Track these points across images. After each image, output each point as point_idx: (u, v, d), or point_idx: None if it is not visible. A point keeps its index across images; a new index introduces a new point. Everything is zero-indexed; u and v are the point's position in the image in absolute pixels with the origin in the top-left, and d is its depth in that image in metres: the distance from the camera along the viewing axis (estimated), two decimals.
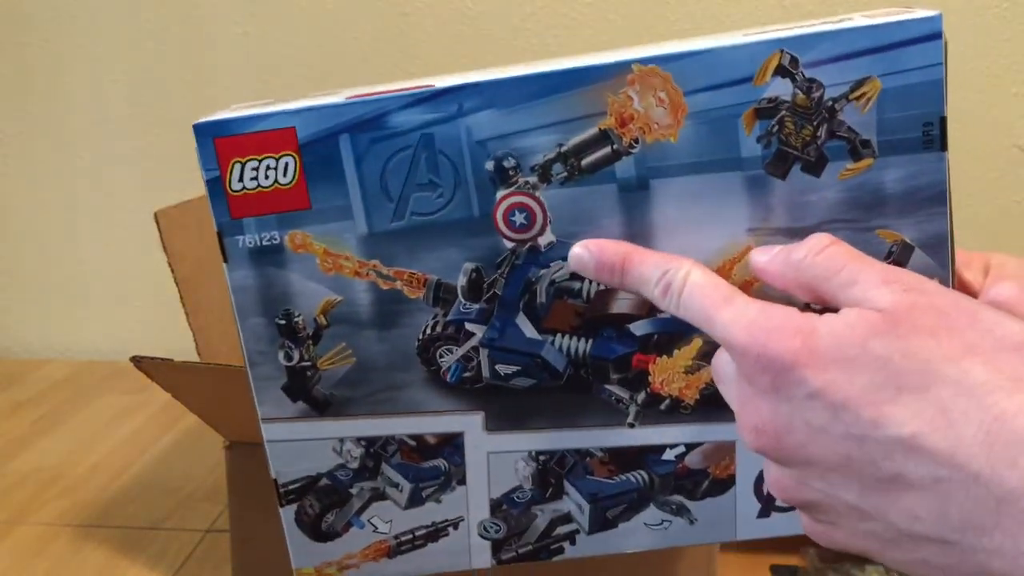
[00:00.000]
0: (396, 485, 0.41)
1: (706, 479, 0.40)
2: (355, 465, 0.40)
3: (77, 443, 0.92)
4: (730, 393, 0.33)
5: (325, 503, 0.41)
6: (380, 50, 1.05)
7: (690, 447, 0.39)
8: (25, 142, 1.15)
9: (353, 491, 0.41)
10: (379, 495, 0.41)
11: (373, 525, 0.41)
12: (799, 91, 0.35)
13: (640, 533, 0.41)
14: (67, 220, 1.16)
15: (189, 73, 1.10)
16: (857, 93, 0.35)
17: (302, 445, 0.40)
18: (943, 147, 0.35)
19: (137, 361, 0.55)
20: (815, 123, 0.35)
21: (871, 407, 0.28)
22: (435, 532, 0.41)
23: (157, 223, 0.60)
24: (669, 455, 0.40)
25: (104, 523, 0.76)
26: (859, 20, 0.34)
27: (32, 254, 1.18)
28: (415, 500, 0.41)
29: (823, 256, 0.31)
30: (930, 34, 0.34)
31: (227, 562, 0.65)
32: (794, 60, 0.34)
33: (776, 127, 0.35)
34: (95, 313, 1.18)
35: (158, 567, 0.70)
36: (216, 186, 0.37)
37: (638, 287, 0.35)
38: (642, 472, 0.40)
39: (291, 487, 0.41)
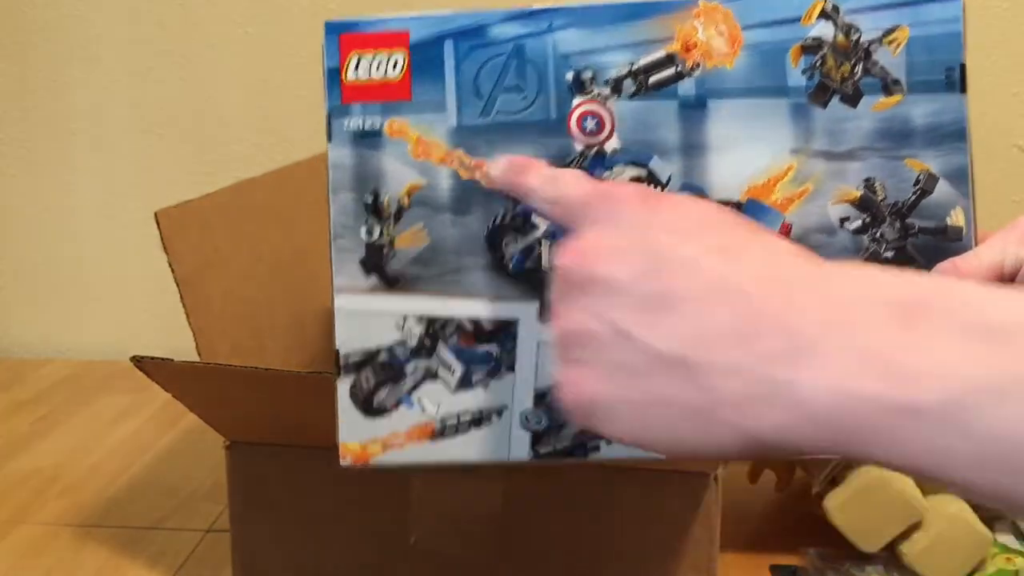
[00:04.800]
0: (449, 367, 0.43)
1: None
2: (414, 343, 0.43)
3: (77, 443, 0.92)
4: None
5: (380, 378, 0.43)
6: None
7: None
8: (25, 142, 1.15)
9: (408, 369, 0.43)
10: (432, 375, 0.43)
11: (422, 405, 0.43)
12: (839, 33, 0.41)
13: None
14: (67, 220, 1.16)
15: (189, 73, 1.10)
16: (889, 38, 0.41)
17: (368, 318, 0.43)
18: (963, 90, 0.40)
19: (137, 361, 0.55)
20: (852, 61, 0.41)
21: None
22: (479, 418, 0.43)
23: (157, 223, 0.60)
24: None
25: (104, 523, 0.76)
26: None
27: (32, 254, 1.18)
28: (465, 383, 0.43)
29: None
30: None
31: (227, 562, 0.65)
32: (835, 7, 0.41)
33: (819, 62, 0.41)
34: (95, 313, 1.18)
35: (158, 567, 0.70)
36: (334, 74, 0.43)
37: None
38: None
39: (351, 359, 0.43)
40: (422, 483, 0.59)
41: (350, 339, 0.43)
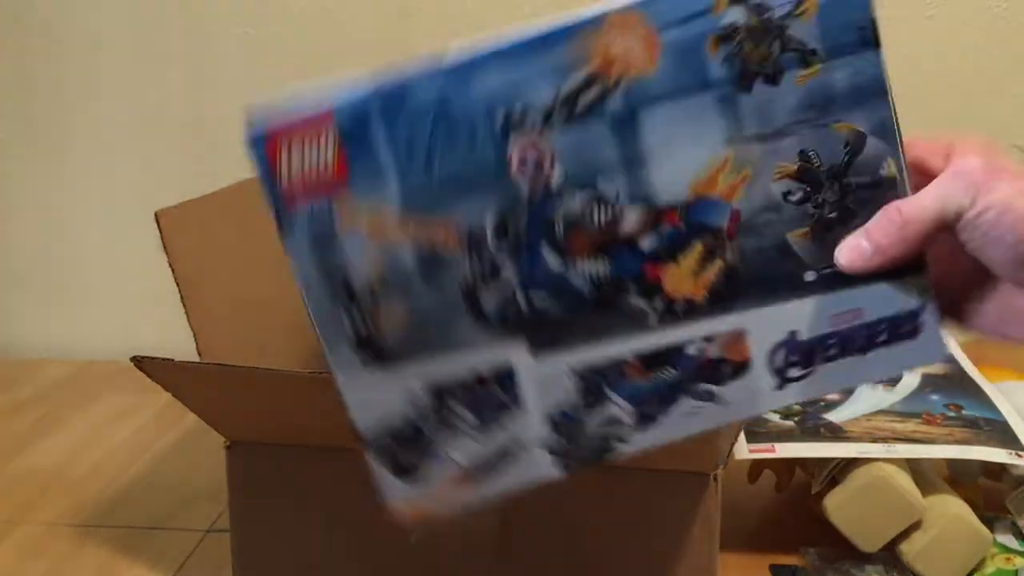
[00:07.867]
0: (463, 418, 0.45)
1: (726, 365, 0.44)
2: (423, 405, 0.44)
3: (77, 443, 0.92)
4: None
5: (403, 442, 0.45)
6: (380, 51, 1.05)
7: (708, 340, 0.44)
8: (25, 142, 1.15)
9: (426, 429, 0.45)
10: (450, 428, 0.45)
11: (450, 457, 0.45)
12: (751, 15, 0.40)
13: (680, 422, 0.45)
14: (67, 220, 1.16)
15: (189, 73, 1.10)
16: (799, 10, 0.40)
17: (373, 394, 0.44)
18: (877, 45, 0.41)
19: (137, 361, 0.55)
20: (769, 41, 0.41)
21: None
22: (504, 454, 0.45)
23: (157, 223, 0.60)
24: (691, 350, 0.44)
25: (104, 523, 0.77)
26: None
27: (32, 254, 1.18)
28: (483, 429, 0.45)
29: None
30: None
31: (227, 562, 0.65)
32: None
33: (736, 49, 0.41)
34: (95, 313, 1.18)
35: (158, 567, 0.70)
36: (270, 180, 0.41)
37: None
38: (670, 368, 0.44)
39: (369, 431, 0.45)
40: None
41: (363, 416, 0.44)
